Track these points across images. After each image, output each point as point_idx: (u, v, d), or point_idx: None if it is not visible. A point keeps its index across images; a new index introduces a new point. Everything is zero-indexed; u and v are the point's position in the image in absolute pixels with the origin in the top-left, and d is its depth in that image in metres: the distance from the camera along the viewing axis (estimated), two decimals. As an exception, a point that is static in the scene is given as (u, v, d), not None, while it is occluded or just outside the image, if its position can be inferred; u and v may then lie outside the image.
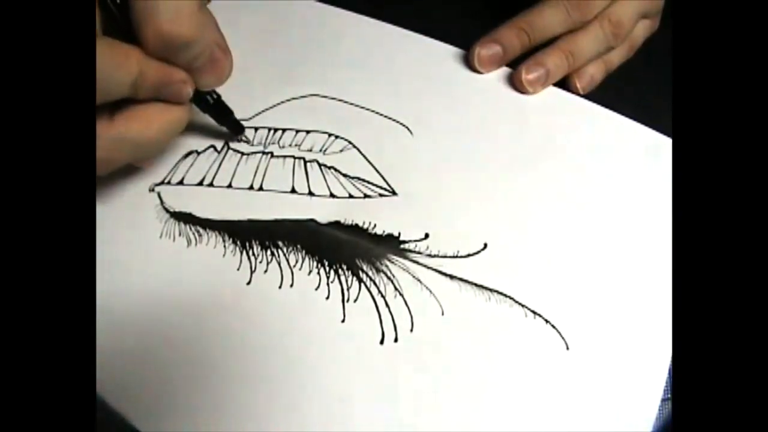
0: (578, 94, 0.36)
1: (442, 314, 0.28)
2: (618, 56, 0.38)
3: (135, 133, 0.27)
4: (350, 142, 0.33)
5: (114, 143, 0.26)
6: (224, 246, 0.30)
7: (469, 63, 0.36)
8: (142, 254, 0.30)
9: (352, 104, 0.34)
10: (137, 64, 0.25)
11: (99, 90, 0.24)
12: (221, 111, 0.32)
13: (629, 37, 0.37)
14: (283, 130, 0.34)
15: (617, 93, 0.36)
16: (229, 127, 0.32)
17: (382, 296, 0.28)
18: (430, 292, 0.28)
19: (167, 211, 0.31)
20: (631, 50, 0.38)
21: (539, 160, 0.32)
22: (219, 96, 0.31)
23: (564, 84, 0.36)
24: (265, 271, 0.29)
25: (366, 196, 0.31)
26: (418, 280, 0.28)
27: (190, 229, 0.30)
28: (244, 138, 0.33)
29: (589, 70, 0.36)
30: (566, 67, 0.35)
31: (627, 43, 0.38)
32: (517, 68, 0.35)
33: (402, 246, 0.30)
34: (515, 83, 0.35)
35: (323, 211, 0.31)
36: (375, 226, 0.30)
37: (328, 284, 0.28)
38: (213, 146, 0.33)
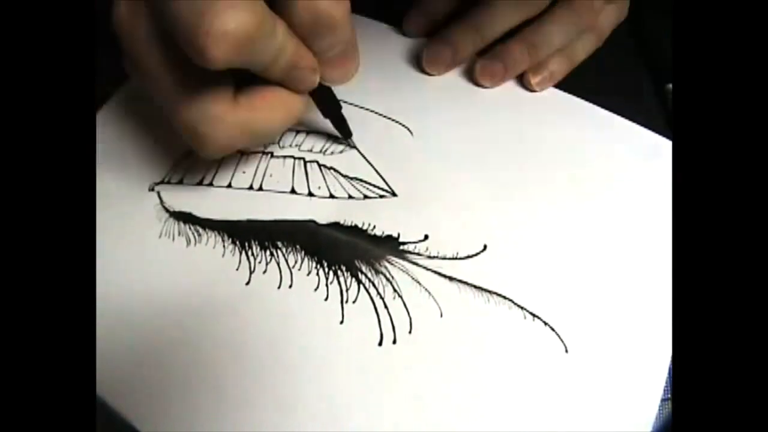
0: (533, 90, 0.35)
1: (441, 316, 0.28)
2: (584, 48, 0.36)
3: (260, 121, 0.26)
4: (350, 143, 0.33)
5: (237, 128, 0.25)
6: (223, 246, 0.30)
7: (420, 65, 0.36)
8: (141, 254, 0.29)
9: (352, 104, 0.34)
10: (282, 36, 0.23)
11: (246, 53, 0.22)
12: (337, 110, 0.31)
13: (596, 26, 0.36)
14: None
15: (614, 93, 0.36)
16: (340, 130, 0.32)
17: (381, 297, 0.28)
18: (429, 293, 0.28)
19: (167, 210, 0.31)
20: (598, 41, 0.37)
21: (539, 161, 0.33)
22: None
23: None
24: (264, 272, 0.29)
25: (365, 197, 0.31)
26: (417, 282, 0.28)
27: (190, 228, 0.30)
28: (351, 143, 0.33)
29: (550, 66, 0.35)
30: (527, 61, 0.34)
31: (594, 33, 0.36)
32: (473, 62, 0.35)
33: (401, 247, 0.30)
34: (473, 78, 0.35)
35: (323, 212, 0.31)
36: (374, 227, 0.30)
37: (327, 285, 0.28)
38: None
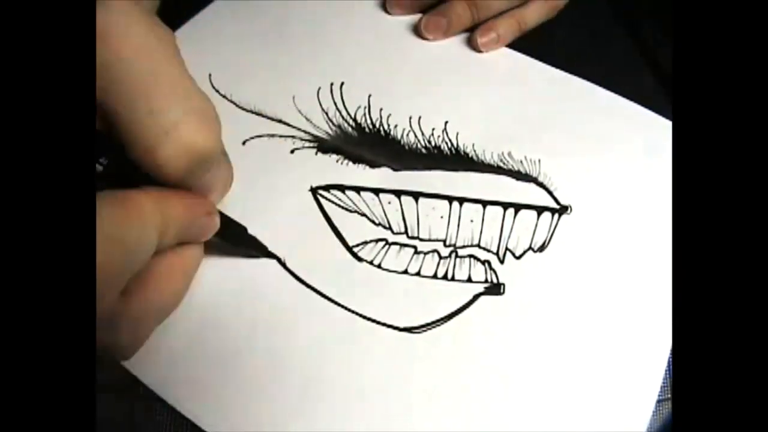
0: (478, 51, 0.36)
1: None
2: (534, 14, 0.36)
3: (161, 298, 0.23)
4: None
5: (139, 321, 0.22)
6: None
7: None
8: None
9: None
10: (157, 208, 0.20)
11: (118, 272, 0.19)
12: (244, 234, 0.27)
13: None
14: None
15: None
16: (257, 249, 0.28)
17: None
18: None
19: None
20: (552, 9, 0.37)
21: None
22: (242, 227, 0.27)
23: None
24: None
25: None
26: None
27: None
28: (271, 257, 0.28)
29: (497, 29, 0.36)
30: (469, 17, 0.36)
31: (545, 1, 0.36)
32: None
33: None
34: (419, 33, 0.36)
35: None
36: None
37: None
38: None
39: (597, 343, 0.27)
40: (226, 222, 0.25)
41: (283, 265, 0.28)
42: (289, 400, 0.25)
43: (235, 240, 0.27)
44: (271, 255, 0.28)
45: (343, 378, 0.26)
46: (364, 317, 0.27)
